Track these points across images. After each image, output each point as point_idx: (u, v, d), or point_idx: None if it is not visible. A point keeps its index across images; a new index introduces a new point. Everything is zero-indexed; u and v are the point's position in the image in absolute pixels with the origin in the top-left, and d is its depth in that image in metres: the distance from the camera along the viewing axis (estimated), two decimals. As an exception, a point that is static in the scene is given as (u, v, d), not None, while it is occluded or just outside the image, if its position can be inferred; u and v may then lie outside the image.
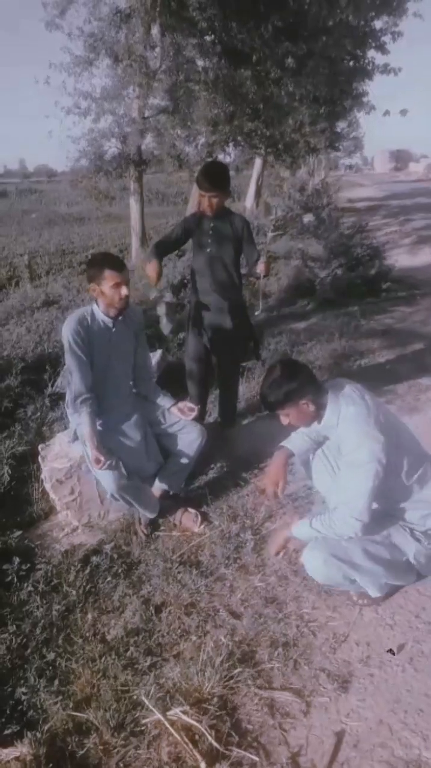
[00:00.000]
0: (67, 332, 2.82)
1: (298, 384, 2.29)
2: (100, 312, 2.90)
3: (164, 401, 3.17)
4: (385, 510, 2.46)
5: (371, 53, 12.45)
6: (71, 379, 2.91)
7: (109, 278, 2.76)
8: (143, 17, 7.71)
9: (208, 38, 8.19)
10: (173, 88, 8.19)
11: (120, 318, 2.94)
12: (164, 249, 3.57)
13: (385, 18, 11.64)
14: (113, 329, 2.95)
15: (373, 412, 2.28)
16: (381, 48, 12.11)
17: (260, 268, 3.36)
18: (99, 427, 2.84)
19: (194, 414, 3.10)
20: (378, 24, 11.74)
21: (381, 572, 2.42)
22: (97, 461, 2.68)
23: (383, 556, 2.41)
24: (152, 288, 3.37)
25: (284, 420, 2.42)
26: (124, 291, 2.80)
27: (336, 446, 2.42)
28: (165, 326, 4.07)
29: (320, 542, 2.41)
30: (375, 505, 2.32)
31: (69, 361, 2.86)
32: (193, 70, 8.22)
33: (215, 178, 3.37)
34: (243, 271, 3.72)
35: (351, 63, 12.23)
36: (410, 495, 2.41)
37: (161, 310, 4.08)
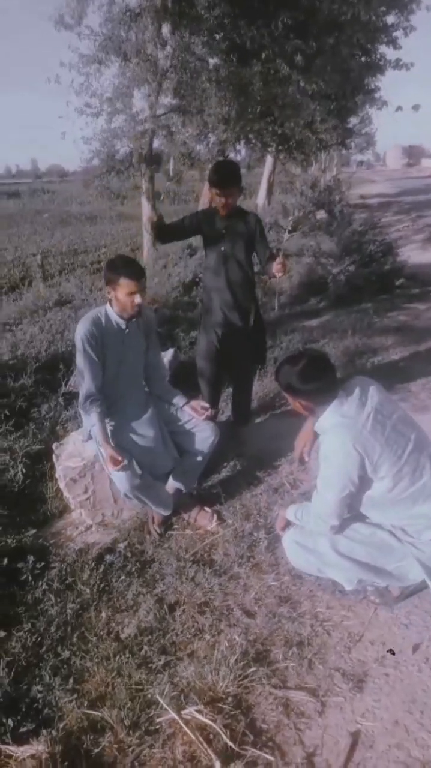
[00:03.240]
0: (81, 333, 2.83)
1: (304, 388, 2.29)
2: (114, 313, 2.91)
3: (176, 400, 3.17)
4: (378, 519, 2.46)
5: (383, 48, 12.37)
6: (81, 381, 2.92)
7: (124, 286, 2.77)
8: (152, 16, 7.70)
9: (217, 36, 8.16)
10: (183, 86, 8.17)
11: (133, 320, 2.95)
12: (167, 231, 3.55)
13: (397, 12, 11.55)
14: (126, 330, 2.95)
15: (359, 427, 2.24)
16: (393, 43, 12.04)
17: (275, 268, 3.33)
18: (110, 426, 2.85)
19: (207, 413, 3.10)
20: (389, 19, 11.66)
21: (353, 568, 2.44)
22: (113, 460, 2.68)
23: (356, 555, 2.42)
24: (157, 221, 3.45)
25: (285, 395, 2.48)
26: (137, 300, 2.80)
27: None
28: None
29: (295, 529, 2.57)
30: (347, 514, 2.39)
31: (80, 361, 2.87)
32: (203, 68, 8.19)
33: (228, 176, 3.35)
34: (256, 269, 3.70)
35: (363, 58, 12.14)
36: (402, 509, 2.37)
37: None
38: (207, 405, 3.15)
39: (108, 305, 2.92)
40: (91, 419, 2.86)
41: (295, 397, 2.36)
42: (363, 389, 2.34)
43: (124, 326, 2.94)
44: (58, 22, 8.21)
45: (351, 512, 2.42)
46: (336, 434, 2.28)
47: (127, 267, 2.80)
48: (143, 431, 2.97)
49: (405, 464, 2.27)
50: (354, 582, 2.47)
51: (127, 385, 3.05)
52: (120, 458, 2.68)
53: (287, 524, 2.67)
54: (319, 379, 2.29)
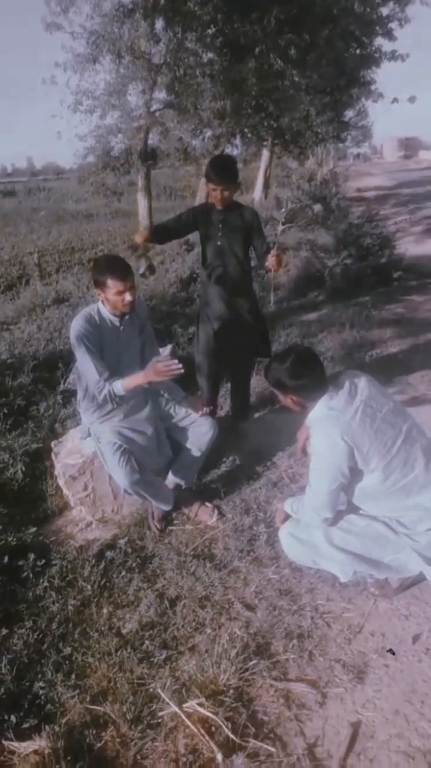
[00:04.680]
0: (76, 330, 2.82)
1: (293, 384, 2.31)
2: (106, 311, 2.90)
3: (175, 395, 3.17)
4: (372, 511, 2.47)
5: (378, 40, 12.32)
6: (82, 375, 2.91)
7: (112, 286, 2.76)
8: (145, 12, 7.68)
9: (210, 32, 8.13)
10: (177, 82, 8.15)
11: (127, 317, 2.94)
12: (163, 233, 3.55)
13: (391, 4, 11.50)
14: (121, 327, 2.95)
15: (347, 419, 2.25)
16: (389, 35, 11.97)
17: (270, 261, 3.33)
18: (110, 424, 2.85)
19: (204, 411, 3.10)
20: (384, 11, 11.60)
21: (347, 560, 2.45)
22: (161, 371, 2.69)
23: (351, 546, 2.43)
24: (135, 253, 3.36)
25: (276, 393, 2.50)
26: (128, 298, 2.80)
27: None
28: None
29: (291, 521, 2.59)
30: (341, 507, 2.42)
31: (80, 355, 2.84)
32: (197, 63, 8.17)
33: (225, 171, 3.35)
34: (253, 263, 3.70)
35: (358, 51, 12.09)
36: (396, 501, 2.38)
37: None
38: (206, 404, 3.14)
39: (100, 303, 2.91)
40: (114, 393, 2.79)
41: (285, 394, 2.38)
42: (352, 383, 2.35)
43: (118, 323, 2.93)
44: (50, 25, 8.18)
45: (345, 504, 2.43)
46: (322, 427, 2.30)
47: (112, 267, 2.77)
48: (142, 428, 2.98)
49: (395, 456, 2.28)
50: (349, 574, 2.48)
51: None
52: (181, 367, 2.70)
53: (286, 517, 2.68)
54: (308, 375, 2.31)
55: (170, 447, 3.19)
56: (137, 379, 2.76)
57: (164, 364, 2.69)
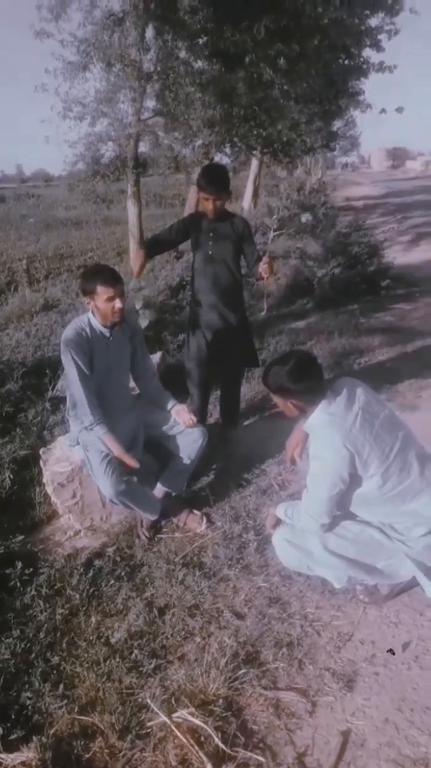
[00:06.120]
0: (67, 344, 2.81)
1: (296, 388, 2.31)
2: (96, 322, 2.90)
3: (166, 402, 3.17)
4: (367, 517, 2.47)
5: (366, 51, 12.43)
6: (69, 391, 2.92)
7: (102, 293, 2.77)
8: (135, 21, 7.71)
9: (200, 41, 8.18)
10: (167, 91, 8.19)
11: (116, 327, 2.94)
12: (156, 246, 3.58)
13: (380, 16, 11.61)
14: (110, 338, 2.95)
15: (348, 425, 2.26)
16: (377, 46, 12.09)
17: (262, 268, 3.34)
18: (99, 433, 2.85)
19: (191, 422, 3.10)
20: (373, 22, 11.72)
21: (343, 566, 2.45)
22: (130, 465, 2.80)
23: (346, 552, 2.43)
24: (132, 279, 3.38)
25: (274, 398, 2.48)
26: (117, 304, 2.80)
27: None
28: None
29: (285, 527, 2.58)
30: (337, 512, 2.40)
31: (71, 374, 2.85)
32: (187, 72, 8.21)
33: (217, 180, 3.36)
34: (243, 271, 3.71)
35: (346, 62, 12.20)
36: (392, 507, 2.39)
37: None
38: (194, 418, 3.14)
39: (90, 314, 2.91)
40: (97, 434, 2.84)
41: (287, 398, 2.36)
42: (350, 389, 2.36)
43: (108, 334, 2.93)
44: (39, 33, 8.19)
45: (341, 510, 2.44)
46: (325, 433, 2.30)
47: (101, 274, 2.80)
48: (125, 437, 2.96)
49: (392, 462, 2.29)
50: (344, 580, 2.49)
51: (113, 392, 3.04)
52: (137, 464, 2.77)
53: (278, 522, 2.67)
54: (310, 378, 2.32)
55: (160, 455, 3.19)
56: (115, 447, 2.81)
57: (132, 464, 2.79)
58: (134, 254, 3.42)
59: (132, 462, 2.76)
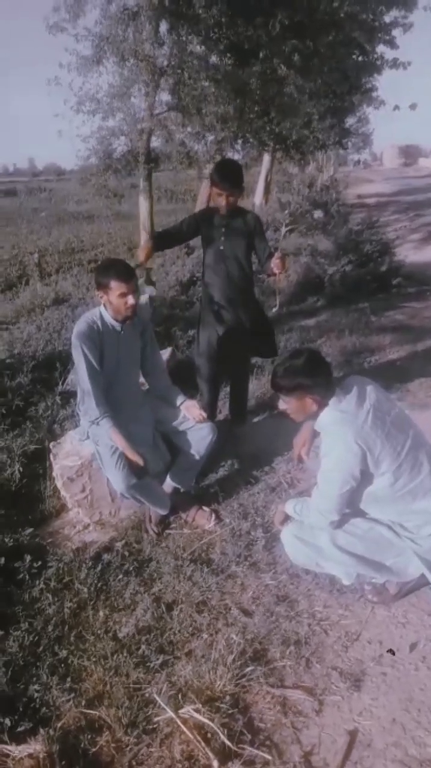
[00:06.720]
0: (78, 337, 2.83)
1: (313, 381, 2.30)
2: (108, 315, 2.90)
3: (176, 398, 3.17)
4: (376, 515, 2.47)
5: (380, 48, 12.35)
6: (78, 380, 2.92)
7: (115, 288, 2.78)
8: (149, 15, 7.68)
9: (214, 36, 8.14)
10: (181, 85, 8.16)
11: (127, 321, 2.94)
12: (165, 239, 3.58)
13: (395, 12, 11.53)
14: (122, 332, 2.95)
15: (360, 422, 2.26)
16: (391, 42, 12.02)
17: (275, 263, 3.33)
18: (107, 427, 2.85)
19: (203, 418, 3.10)
20: (387, 18, 11.63)
21: (352, 563, 2.45)
22: (136, 464, 2.76)
23: (355, 549, 2.43)
24: (138, 268, 3.36)
25: (282, 405, 2.45)
26: (130, 300, 2.81)
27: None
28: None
29: (294, 523, 2.58)
30: (347, 510, 2.40)
31: (80, 368, 2.86)
32: (201, 67, 8.18)
33: (232, 176, 3.35)
34: (254, 267, 3.70)
35: (360, 58, 12.13)
36: (402, 505, 2.38)
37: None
38: (204, 413, 3.13)
39: (102, 308, 2.92)
40: (108, 432, 2.83)
41: (305, 394, 2.33)
42: (360, 387, 2.35)
43: (119, 328, 2.94)
44: (53, 27, 8.19)
45: (351, 508, 2.43)
46: (336, 430, 2.29)
47: (116, 269, 2.80)
48: (140, 432, 2.97)
49: (404, 460, 2.29)
50: (353, 576, 2.49)
51: (124, 387, 3.05)
52: (141, 461, 2.74)
53: (286, 519, 2.67)
54: (323, 370, 2.33)
55: (169, 450, 3.19)
56: (120, 441, 2.78)
57: (137, 460, 2.75)
58: (143, 244, 3.42)
59: (136, 458, 2.74)
